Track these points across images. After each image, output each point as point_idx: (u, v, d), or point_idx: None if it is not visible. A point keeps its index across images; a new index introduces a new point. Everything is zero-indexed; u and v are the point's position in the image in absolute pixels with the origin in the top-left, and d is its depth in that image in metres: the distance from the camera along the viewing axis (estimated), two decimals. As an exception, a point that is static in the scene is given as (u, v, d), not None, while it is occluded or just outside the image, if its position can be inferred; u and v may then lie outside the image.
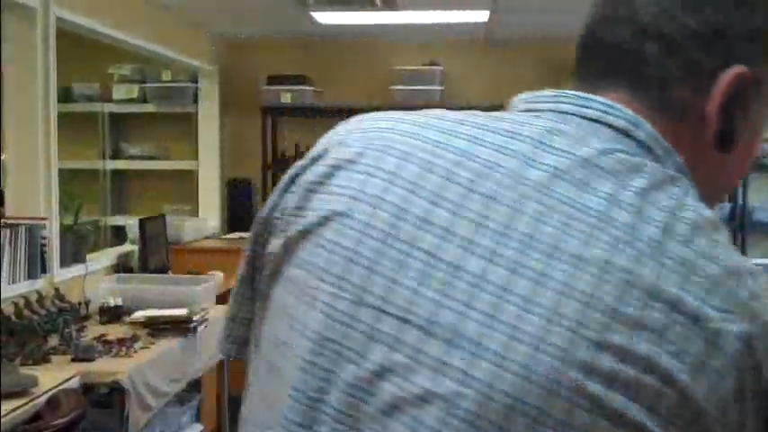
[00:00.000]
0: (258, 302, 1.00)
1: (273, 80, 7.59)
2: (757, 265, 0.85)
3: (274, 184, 6.69)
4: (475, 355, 0.78)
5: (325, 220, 0.90)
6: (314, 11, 6.36)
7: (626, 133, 0.88)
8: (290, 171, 0.97)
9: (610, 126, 0.88)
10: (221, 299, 5.18)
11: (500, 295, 0.79)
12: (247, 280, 1.03)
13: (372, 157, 0.90)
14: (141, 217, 5.90)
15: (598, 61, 0.94)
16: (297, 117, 7.81)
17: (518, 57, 7.69)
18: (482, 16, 6.50)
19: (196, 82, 7.59)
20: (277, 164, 7.82)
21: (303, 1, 5.98)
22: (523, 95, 0.97)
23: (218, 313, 4.75)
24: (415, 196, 0.85)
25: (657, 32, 0.90)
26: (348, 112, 6.71)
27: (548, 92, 0.94)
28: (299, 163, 0.98)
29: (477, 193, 0.84)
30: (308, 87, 7.57)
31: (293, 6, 6.14)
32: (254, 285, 1.01)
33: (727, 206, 7.42)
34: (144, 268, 5.62)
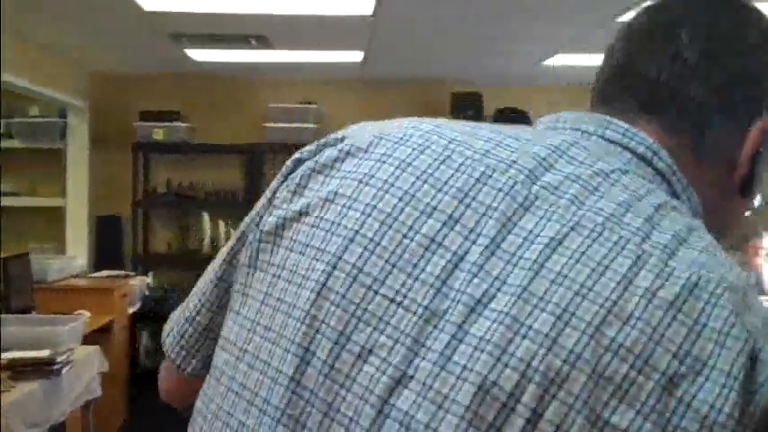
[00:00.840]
0: (229, 300, 0.97)
1: (146, 116, 7.47)
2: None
3: (145, 221, 6.53)
4: (476, 348, 0.77)
5: (326, 202, 0.89)
6: (188, 48, 6.31)
7: (647, 160, 0.90)
8: (295, 155, 0.97)
9: (629, 150, 0.90)
10: (89, 339, 5.03)
11: (495, 285, 0.79)
12: (216, 281, 1.01)
13: (387, 147, 0.91)
14: (4, 255, 5.69)
15: (634, 93, 0.96)
16: (169, 154, 7.71)
17: (391, 96, 7.79)
18: (357, 56, 6.58)
19: (65, 117, 7.40)
20: (148, 201, 7.69)
21: (178, 38, 5.94)
22: (544, 118, 0.98)
23: (83, 354, 4.61)
24: (425, 184, 0.86)
25: (702, 73, 0.92)
26: (221, 149, 6.69)
27: (567, 113, 0.96)
28: (305, 148, 0.97)
29: (489, 186, 0.84)
30: (180, 124, 7.48)
31: (168, 43, 6.08)
32: (223, 289, 0.99)
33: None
34: (7, 309, 5.41)
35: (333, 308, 0.83)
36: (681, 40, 0.94)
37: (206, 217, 7.46)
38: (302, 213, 0.91)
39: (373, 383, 0.79)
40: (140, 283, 7.00)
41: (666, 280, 0.77)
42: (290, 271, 0.88)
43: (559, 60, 6.74)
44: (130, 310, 6.68)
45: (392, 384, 0.79)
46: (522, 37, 5.92)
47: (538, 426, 0.73)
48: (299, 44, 6.16)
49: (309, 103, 7.61)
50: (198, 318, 1.03)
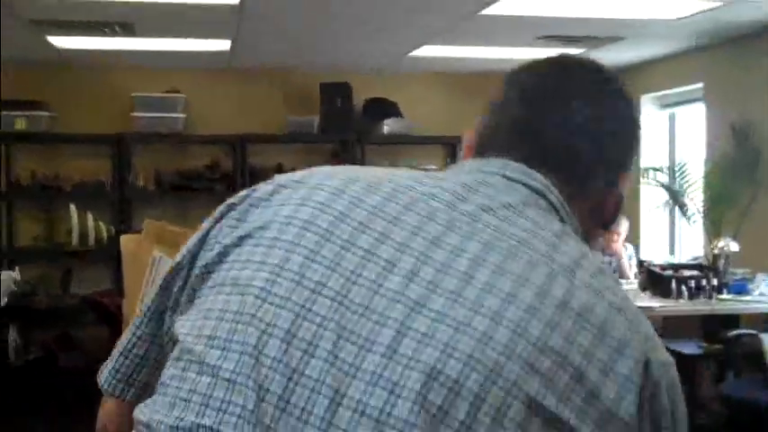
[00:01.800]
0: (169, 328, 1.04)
1: (7, 105, 7.25)
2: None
3: (9, 212, 6.33)
4: (420, 342, 0.88)
5: (267, 224, 1.00)
6: (50, 35, 6.17)
7: (540, 194, 1.05)
8: (227, 201, 1.08)
9: (527, 186, 1.05)
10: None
11: (429, 288, 0.91)
12: (151, 315, 1.09)
13: (319, 177, 1.04)
14: None
15: (529, 145, 1.09)
16: (33, 144, 7.51)
17: (260, 86, 7.80)
18: (224, 45, 6.56)
19: None
20: (11, 192, 7.48)
21: (39, 24, 5.80)
22: (454, 166, 1.14)
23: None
24: (358, 208, 0.98)
25: (591, 136, 1.10)
26: (87, 139, 6.55)
27: (470, 161, 1.12)
28: (237, 195, 1.09)
29: (414, 212, 0.98)
30: (43, 113, 7.30)
31: (28, 30, 5.93)
32: (155, 320, 1.07)
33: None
34: None
35: (278, 310, 0.92)
36: (573, 105, 1.10)
37: (73, 208, 7.29)
38: (244, 238, 1.01)
39: (323, 375, 0.87)
40: (7, 278, 6.81)
41: (572, 295, 0.93)
42: (233, 285, 0.96)
43: (427, 51, 6.87)
44: (-6, 305, 6.49)
45: (341, 376, 0.87)
46: (390, 27, 6.02)
47: (481, 408, 0.85)
48: (165, 32, 6.11)
49: (177, 92, 7.53)
50: (134, 350, 1.12)
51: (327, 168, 1.08)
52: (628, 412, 0.90)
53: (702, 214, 6.44)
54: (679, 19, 5.68)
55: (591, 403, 0.89)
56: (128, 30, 5.92)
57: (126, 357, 1.12)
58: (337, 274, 0.93)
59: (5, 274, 6.79)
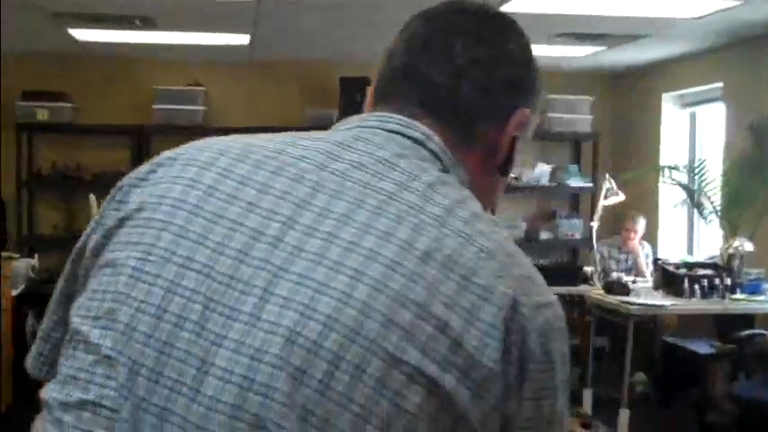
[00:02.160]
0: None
1: (29, 96, 7.35)
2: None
3: (30, 202, 6.45)
4: (282, 306, 0.89)
5: (143, 204, 1.02)
6: (71, 28, 6.24)
7: (420, 143, 1.06)
8: (118, 184, 1.09)
9: (406, 136, 1.05)
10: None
11: (293, 253, 0.92)
12: (62, 299, 1.12)
13: (192, 153, 1.05)
14: None
15: (413, 93, 1.10)
16: (54, 134, 7.60)
17: (279, 80, 7.85)
18: (243, 39, 6.61)
19: None
20: (33, 182, 7.57)
21: (60, 17, 5.87)
22: (338, 124, 1.13)
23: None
24: (227, 179, 0.99)
25: (472, 77, 1.10)
26: (108, 130, 6.65)
27: (355, 116, 1.10)
28: (127, 175, 1.10)
29: (283, 177, 0.98)
30: (65, 104, 7.39)
31: (50, 22, 6.00)
32: (71, 300, 1.07)
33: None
34: None
35: (149, 287, 0.95)
36: (455, 49, 1.10)
37: (93, 198, 7.36)
38: (123, 219, 1.03)
39: (191, 346, 0.90)
40: (25, 265, 6.90)
41: (440, 244, 0.93)
42: (112, 266, 0.99)
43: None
44: (14, 292, 6.58)
45: (208, 345, 0.90)
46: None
47: (339, 366, 0.86)
48: (185, 26, 6.16)
49: (197, 86, 7.59)
50: (52, 333, 1.13)
51: (201, 142, 1.08)
52: (491, 359, 0.90)
53: (719, 214, 6.42)
54: (697, 18, 5.66)
55: (455, 352, 0.89)
56: (149, 23, 5.98)
57: (46, 341, 1.13)
58: (204, 247, 0.95)
59: (23, 261, 6.88)
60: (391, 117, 1.08)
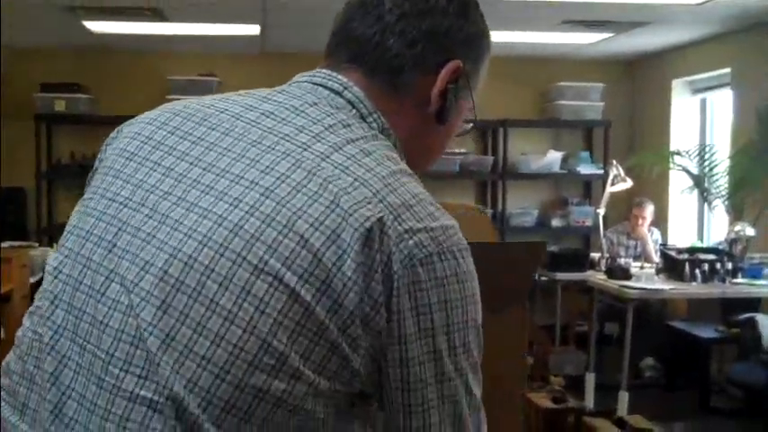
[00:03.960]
0: None
1: (47, 88, 7.51)
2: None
3: (49, 191, 6.61)
4: (173, 228, 1.06)
5: (105, 156, 1.21)
6: (85, 20, 6.37)
7: (337, 93, 1.17)
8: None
9: (326, 87, 1.17)
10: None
11: (192, 185, 1.08)
12: None
13: (148, 113, 1.21)
14: None
15: (347, 49, 1.22)
16: (72, 125, 7.76)
17: (291, 69, 7.87)
18: (254, 30, 6.71)
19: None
20: (52, 172, 7.74)
21: (73, 10, 6.00)
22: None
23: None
24: (161, 130, 1.16)
25: (399, 31, 1.20)
26: (124, 120, 6.72)
27: (301, 73, 1.24)
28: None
29: (204, 126, 1.15)
30: (82, 95, 7.54)
31: (64, 15, 6.14)
32: None
33: (489, 212, 7.96)
34: None
35: (95, 221, 1.14)
36: (385, 6, 1.21)
37: (110, 188, 7.51)
38: (94, 171, 1.24)
39: (103, 259, 1.10)
40: (42, 254, 7.05)
41: (314, 175, 1.05)
42: (83, 212, 1.18)
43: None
44: (32, 280, 6.74)
45: (116, 258, 1.08)
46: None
47: (210, 276, 1.02)
48: (195, 17, 6.27)
49: (211, 76, 7.71)
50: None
51: (156, 111, 1.23)
52: (346, 275, 1.00)
53: (725, 199, 6.45)
54: (701, 3, 5.69)
55: (315, 267, 1.00)
56: (158, 14, 6.10)
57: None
58: (129, 184, 1.13)
59: (41, 249, 7.03)
60: (321, 72, 1.21)
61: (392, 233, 1.02)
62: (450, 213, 1.09)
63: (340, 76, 1.18)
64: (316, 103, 1.15)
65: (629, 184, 6.76)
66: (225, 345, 0.99)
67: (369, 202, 1.03)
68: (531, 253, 1.42)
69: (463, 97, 1.25)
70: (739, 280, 5.79)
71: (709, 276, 5.75)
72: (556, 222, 8.19)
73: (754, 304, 5.86)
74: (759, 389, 5.21)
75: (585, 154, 8.29)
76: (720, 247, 6.14)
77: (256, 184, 1.05)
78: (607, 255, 6.69)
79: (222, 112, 1.16)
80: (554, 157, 8.09)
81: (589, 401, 5.57)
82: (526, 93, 8.31)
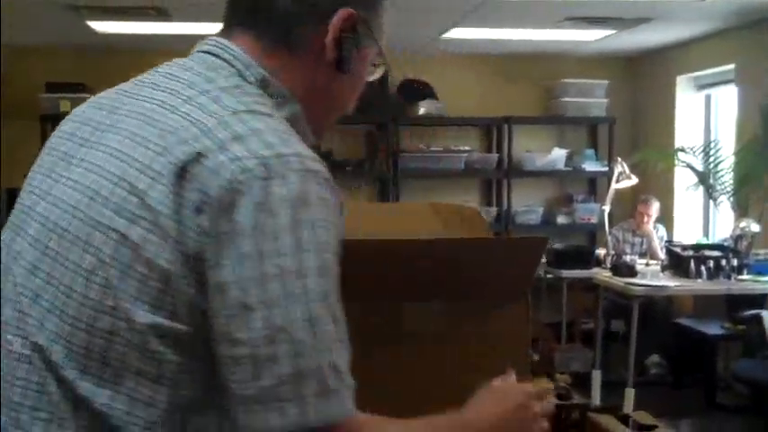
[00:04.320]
0: None
1: (52, 88, 7.52)
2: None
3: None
4: (50, 203, 1.18)
5: (48, 141, 1.31)
6: (89, 20, 6.38)
7: (215, 55, 1.23)
8: None
9: (206, 52, 1.24)
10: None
11: (71, 162, 1.19)
12: None
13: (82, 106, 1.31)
14: None
15: (236, 15, 1.27)
16: (77, 125, 7.76)
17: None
18: (257, 29, 6.70)
19: (-31, 89, 7.39)
20: (57, 172, 7.74)
21: (76, 9, 6.00)
22: None
23: None
24: (85, 113, 1.26)
25: None
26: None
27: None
28: None
29: (92, 107, 1.26)
30: (86, 95, 7.49)
31: (68, 14, 6.14)
32: None
33: (493, 210, 7.96)
34: None
35: (29, 193, 1.25)
36: None
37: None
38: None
39: (33, 204, 1.21)
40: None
41: (158, 128, 1.13)
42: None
43: (458, 33, 6.95)
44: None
45: (14, 235, 1.22)
46: (420, 9, 6.10)
47: (67, 238, 1.13)
48: (198, 16, 6.26)
49: (215, 75, 7.70)
50: None
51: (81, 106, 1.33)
52: (165, 205, 1.07)
53: (730, 195, 6.44)
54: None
55: (142, 208, 1.08)
56: (162, 14, 6.10)
57: None
58: (51, 156, 1.25)
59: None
60: (209, 40, 1.27)
61: (211, 163, 1.06)
62: (442, 212, 1.09)
63: (222, 40, 1.24)
64: (191, 68, 1.21)
65: (634, 181, 6.75)
66: (76, 296, 1.10)
67: (195, 140, 1.08)
68: (531, 248, 1.41)
69: (366, 45, 1.29)
70: (745, 276, 5.78)
71: (714, 273, 5.74)
72: (561, 220, 8.18)
73: (759, 301, 5.85)
74: (765, 385, 5.20)
75: (590, 151, 8.28)
76: (726, 243, 6.13)
77: (116, 149, 1.14)
78: (612, 252, 6.69)
79: (117, 93, 1.26)
80: (559, 155, 8.08)
81: (595, 398, 5.57)
82: (530, 90, 8.31)
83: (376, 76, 1.37)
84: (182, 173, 1.07)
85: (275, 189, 1.05)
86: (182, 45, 6.53)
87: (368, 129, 8.10)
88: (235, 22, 1.26)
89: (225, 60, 1.21)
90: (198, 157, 1.07)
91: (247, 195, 1.04)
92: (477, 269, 1.39)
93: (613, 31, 6.91)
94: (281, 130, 1.12)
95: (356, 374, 1.07)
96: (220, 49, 1.23)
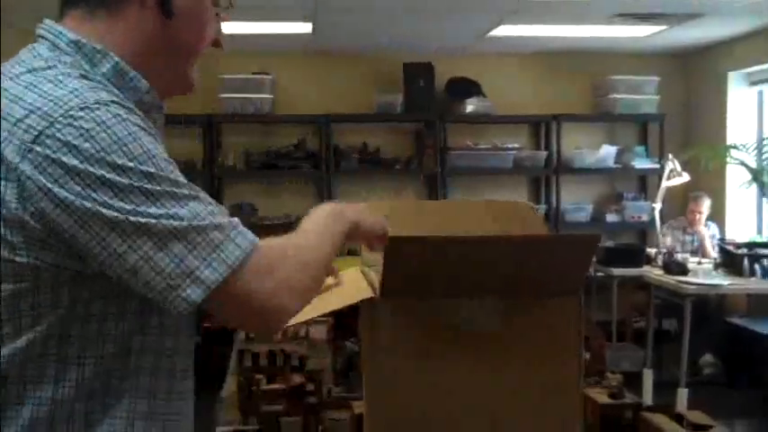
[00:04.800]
0: None
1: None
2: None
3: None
4: None
5: None
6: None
7: (40, 36, 1.31)
8: None
9: (38, 36, 1.32)
10: None
11: None
12: None
13: None
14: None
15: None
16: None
17: (343, 67, 7.98)
18: (306, 28, 6.74)
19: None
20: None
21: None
22: None
23: None
24: None
25: None
26: (177, 121, 6.75)
27: None
28: None
29: None
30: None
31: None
32: None
33: (542, 208, 7.92)
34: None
35: None
36: None
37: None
38: None
39: None
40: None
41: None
42: None
43: (505, 30, 6.93)
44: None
45: None
46: (468, 7, 6.10)
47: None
48: (247, 16, 6.32)
49: (264, 74, 7.75)
50: None
51: None
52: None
53: (784, 192, 6.35)
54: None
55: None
56: (212, 15, 6.15)
57: None
58: None
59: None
60: (41, 25, 1.33)
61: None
62: (497, 209, 1.09)
63: (47, 22, 1.32)
64: (27, 52, 1.30)
65: (685, 178, 6.68)
66: None
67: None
68: (585, 245, 1.41)
69: None
70: (800, 275, 5.69)
71: (768, 271, 5.66)
72: (610, 218, 8.10)
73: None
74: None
75: (641, 148, 8.21)
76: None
77: None
78: (664, 250, 6.62)
79: None
80: (608, 152, 8.01)
81: (647, 398, 5.52)
82: (579, 87, 8.25)
83: (229, 5, 1.47)
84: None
85: (65, 132, 1.18)
86: (231, 45, 6.55)
87: (416, 127, 8.10)
88: (64, 7, 1.34)
89: (41, 36, 1.31)
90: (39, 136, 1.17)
91: (42, 149, 1.16)
92: (531, 266, 1.39)
93: (664, 27, 6.83)
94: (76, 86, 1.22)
95: (412, 369, 1.09)
96: (43, 29, 1.31)
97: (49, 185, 1.14)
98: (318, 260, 1.30)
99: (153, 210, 1.16)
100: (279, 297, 1.22)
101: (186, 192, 1.21)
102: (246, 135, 7.90)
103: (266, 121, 7.84)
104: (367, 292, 1.51)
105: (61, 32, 1.30)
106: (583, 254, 1.39)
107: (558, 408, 1.46)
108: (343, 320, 3.16)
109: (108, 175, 1.15)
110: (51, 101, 1.18)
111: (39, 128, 1.16)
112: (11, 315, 1.20)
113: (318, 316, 2.42)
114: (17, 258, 1.18)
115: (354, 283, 1.76)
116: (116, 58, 1.29)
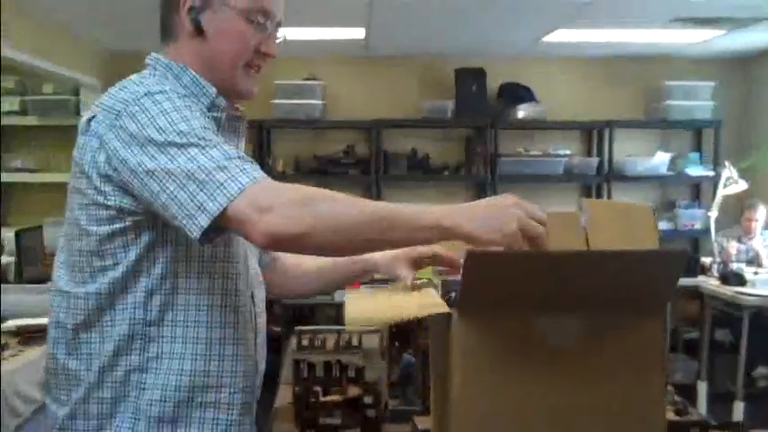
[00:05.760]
0: None
1: (156, 93, 7.65)
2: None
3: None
4: None
5: None
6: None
7: (148, 64, 1.82)
8: None
9: (146, 63, 1.83)
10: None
11: None
12: None
13: None
14: (18, 229, 5.91)
15: (161, 32, 1.83)
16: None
17: (396, 73, 7.95)
18: (359, 33, 6.73)
19: (78, 95, 7.60)
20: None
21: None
22: None
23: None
24: None
25: (167, 7, 1.80)
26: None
27: None
28: None
29: None
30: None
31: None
32: None
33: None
34: (20, 279, 5.64)
35: None
36: None
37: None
38: None
39: None
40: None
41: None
42: None
43: (560, 36, 6.86)
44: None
45: None
46: (522, 12, 6.04)
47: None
48: (300, 21, 6.32)
49: (315, 80, 7.75)
50: None
51: None
52: (84, 154, 1.69)
53: None
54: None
55: (76, 165, 1.72)
56: (265, 20, 6.15)
57: None
58: None
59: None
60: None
61: (99, 116, 1.66)
62: (612, 210, 1.06)
63: (153, 54, 1.82)
64: (139, 72, 1.81)
65: (742, 186, 6.55)
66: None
67: (96, 109, 1.68)
68: (674, 260, 1.36)
69: (213, 7, 1.74)
70: None
71: (829, 282, 5.53)
72: (663, 225, 7.98)
73: None
74: None
75: (695, 155, 8.07)
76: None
77: None
78: (719, 259, 6.50)
79: None
80: (661, 159, 7.89)
81: (701, 411, 5.42)
82: (633, 93, 8.15)
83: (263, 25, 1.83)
84: (85, 127, 1.71)
85: (119, 112, 1.65)
86: (284, 50, 6.56)
87: (466, 132, 8.05)
88: (161, 42, 1.83)
89: (149, 65, 1.81)
90: (91, 118, 1.70)
91: (118, 123, 1.64)
92: (620, 281, 1.35)
93: (723, 32, 6.71)
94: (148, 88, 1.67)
95: (486, 387, 1.06)
96: (149, 59, 1.82)
97: (118, 147, 1.60)
98: (337, 214, 1.53)
99: (181, 159, 1.54)
100: (269, 222, 1.51)
101: (212, 143, 1.57)
102: (296, 140, 7.91)
103: (316, 127, 7.85)
104: (443, 306, 1.47)
105: (158, 59, 1.80)
106: (671, 270, 1.34)
107: (643, 429, 1.41)
108: (400, 330, 3.12)
109: (152, 135, 1.57)
110: (130, 92, 1.65)
111: (118, 109, 1.63)
112: (108, 251, 1.68)
113: (393, 323, 2.39)
114: (108, 202, 1.65)
115: (428, 294, 1.73)
116: (192, 72, 1.77)
